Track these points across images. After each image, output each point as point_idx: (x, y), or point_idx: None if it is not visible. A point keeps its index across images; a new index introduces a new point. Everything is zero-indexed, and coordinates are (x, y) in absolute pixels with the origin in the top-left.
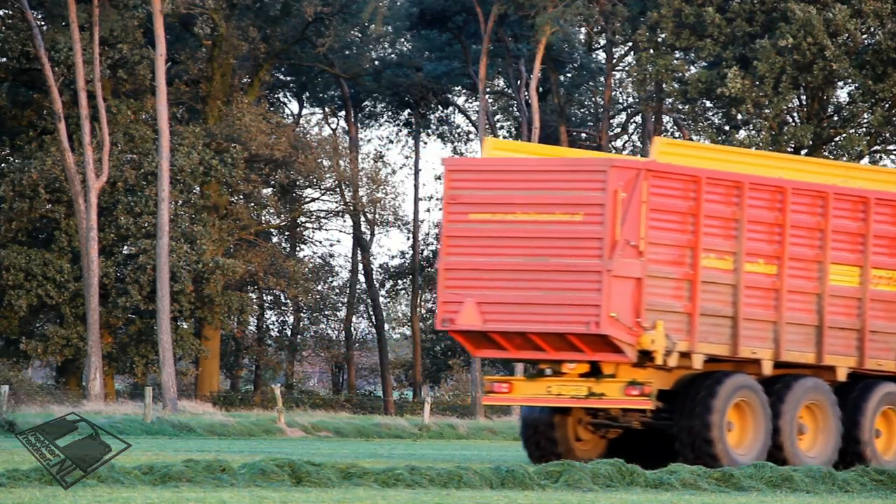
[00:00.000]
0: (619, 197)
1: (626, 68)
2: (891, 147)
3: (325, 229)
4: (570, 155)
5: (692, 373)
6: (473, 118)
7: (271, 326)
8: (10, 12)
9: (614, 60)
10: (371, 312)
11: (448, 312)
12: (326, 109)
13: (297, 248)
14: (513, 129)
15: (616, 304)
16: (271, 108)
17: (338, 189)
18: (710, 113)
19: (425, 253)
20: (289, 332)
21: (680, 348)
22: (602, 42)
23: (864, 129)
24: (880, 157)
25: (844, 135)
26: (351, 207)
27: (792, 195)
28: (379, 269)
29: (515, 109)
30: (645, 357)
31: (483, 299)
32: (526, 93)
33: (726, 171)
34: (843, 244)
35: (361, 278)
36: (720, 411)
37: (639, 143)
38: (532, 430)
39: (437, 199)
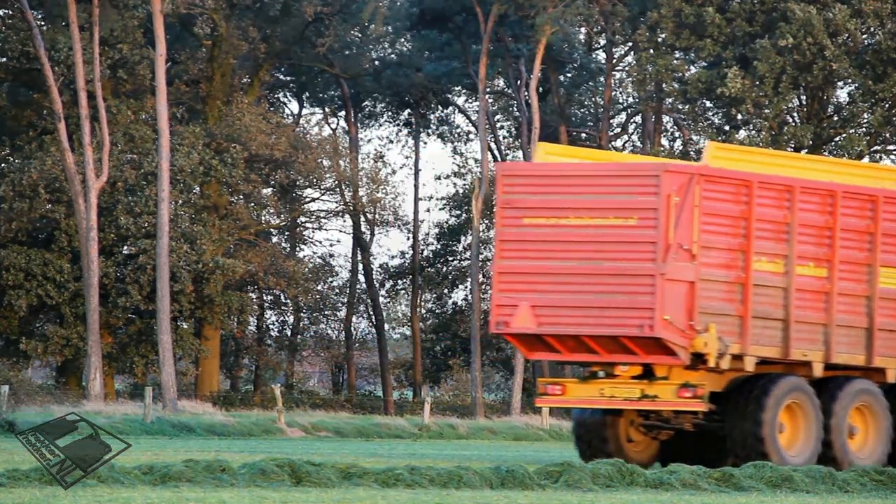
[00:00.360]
0: (672, 201)
1: (626, 68)
2: (891, 147)
3: (325, 229)
4: (623, 160)
5: (744, 375)
6: (473, 118)
7: (271, 326)
8: (10, 12)
9: (614, 60)
10: (371, 312)
11: (502, 315)
12: (326, 109)
13: (297, 248)
14: (513, 129)
15: (669, 307)
16: (271, 108)
17: (338, 189)
18: (710, 113)
19: (425, 253)
20: (289, 332)
21: (732, 351)
22: (602, 42)
23: (864, 129)
24: (880, 157)
25: (844, 135)
26: (351, 207)
27: (842, 199)
28: (379, 269)
29: (515, 109)
30: (697, 359)
31: (537, 302)
32: (526, 93)
33: (777, 175)
34: (893, 247)
35: (361, 278)
36: (772, 413)
37: (639, 143)
38: (584, 431)
39: (437, 199)
